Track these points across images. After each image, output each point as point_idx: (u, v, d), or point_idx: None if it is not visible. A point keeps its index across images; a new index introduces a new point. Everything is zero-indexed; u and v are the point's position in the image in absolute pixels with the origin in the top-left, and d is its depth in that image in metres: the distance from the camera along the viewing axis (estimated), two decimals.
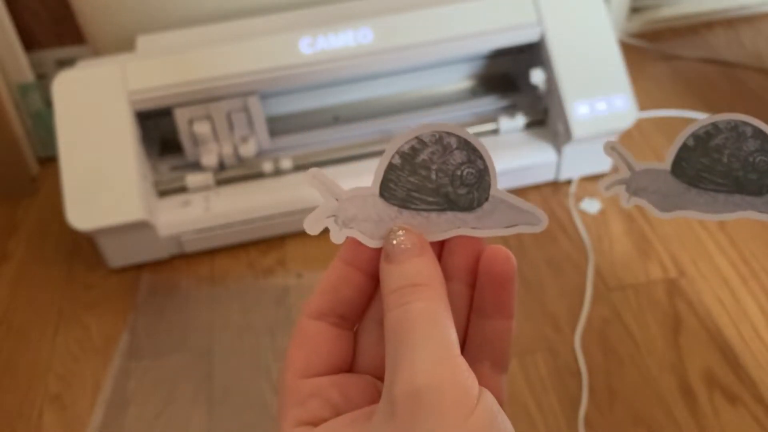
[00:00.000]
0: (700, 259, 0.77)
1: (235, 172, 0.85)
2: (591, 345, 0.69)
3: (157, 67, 0.80)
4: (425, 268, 0.23)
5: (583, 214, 0.84)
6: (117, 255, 0.81)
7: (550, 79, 0.85)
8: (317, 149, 0.88)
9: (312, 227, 0.24)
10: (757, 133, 0.25)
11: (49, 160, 0.98)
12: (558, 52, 0.83)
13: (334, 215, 0.24)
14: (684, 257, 0.77)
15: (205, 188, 0.84)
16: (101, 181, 0.76)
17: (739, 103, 1.01)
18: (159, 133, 0.89)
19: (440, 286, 0.23)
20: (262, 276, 0.81)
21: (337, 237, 0.24)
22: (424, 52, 0.84)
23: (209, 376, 0.70)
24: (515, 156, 0.86)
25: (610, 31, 0.85)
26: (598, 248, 0.79)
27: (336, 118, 0.93)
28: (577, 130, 0.82)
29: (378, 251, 0.24)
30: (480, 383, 0.23)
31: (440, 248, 0.25)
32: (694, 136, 0.25)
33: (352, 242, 0.24)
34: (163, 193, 0.83)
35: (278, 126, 0.90)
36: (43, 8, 0.97)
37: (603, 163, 0.89)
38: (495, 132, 0.88)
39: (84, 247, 0.85)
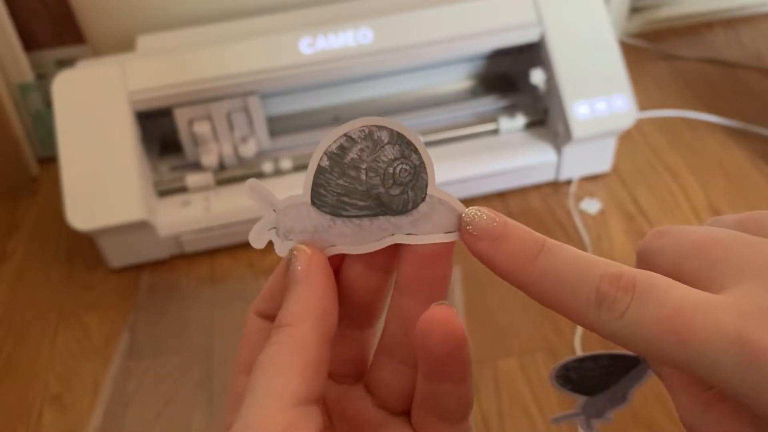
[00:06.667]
0: None
1: (235, 172, 0.85)
2: (591, 345, 0.69)
3: (157, 67, 0.80)
4: (296, 304, 0.21)
5: (583, 214, 0.84)
6: (117, 255, 0.81)
7: (550, 79, 0.85)
8: None
9: (257, 241, 0.22)
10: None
11: (49, 160, 0.98)
12: (558, 52, 0.83)
13: (274, 227, 0.22)
14: None
15: (205, 188, 0.84)
16: (101, 181, 0.76)
17: (740, 103, 1.01)
18: (159, 133, 0.89)
19: (306, 324, 0.20)
20: (262, 276, 0.81)
21: (281, 249, 0.22)
22: (424, 52, 0.84)
23: (209, 376, 0.70)
24: (515, 156, 0.86)
25: (610, 31, 0.85)
26: (598, 248, 0.79)
27: (336, 118, 0.92)
28: (577, 130, 0.82)
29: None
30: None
31: (392, 254, 0.22)
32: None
33: None
34: (163, 193, 0.83)
35: (278, 126, 0.90)
36: (43, 8, 0.97)
37: (603, 164, 0.89)
38: (495, 132, 0.88)
39: (84, 247, 0.85)
